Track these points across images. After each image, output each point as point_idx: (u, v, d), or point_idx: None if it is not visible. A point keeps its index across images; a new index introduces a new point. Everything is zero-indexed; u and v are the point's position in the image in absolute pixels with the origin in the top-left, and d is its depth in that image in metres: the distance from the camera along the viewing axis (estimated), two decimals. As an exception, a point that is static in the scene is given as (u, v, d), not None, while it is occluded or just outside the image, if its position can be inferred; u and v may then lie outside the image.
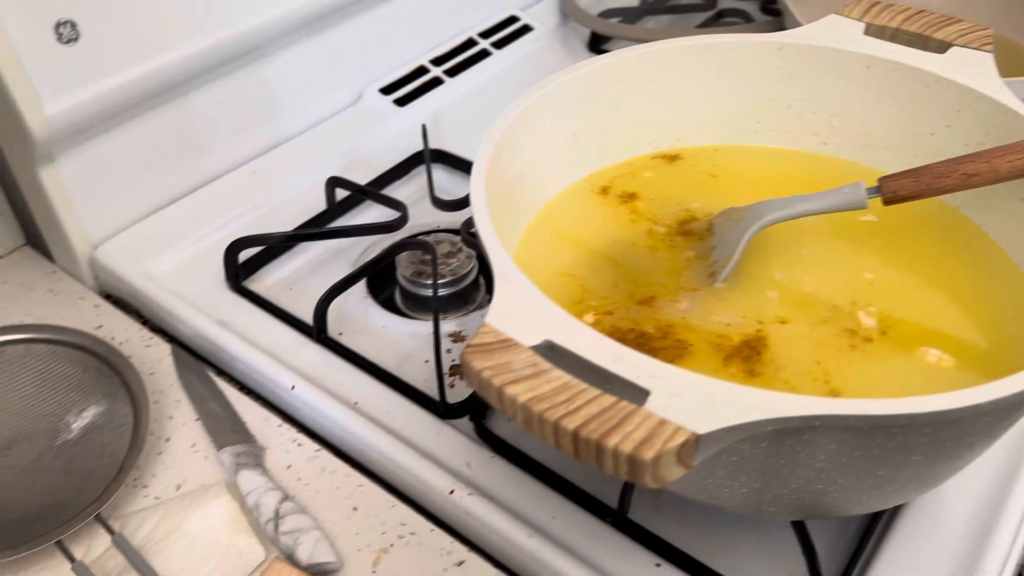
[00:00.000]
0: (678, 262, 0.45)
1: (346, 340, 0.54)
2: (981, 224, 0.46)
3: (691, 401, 0.29)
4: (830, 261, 0.45)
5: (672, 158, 0.51)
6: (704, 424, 0.28)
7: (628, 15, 0.85)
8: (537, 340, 0.31)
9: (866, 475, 0.33)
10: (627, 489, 0.42)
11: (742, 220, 0.44)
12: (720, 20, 0.84)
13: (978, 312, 0.41)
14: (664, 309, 0.42)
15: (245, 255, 0.59)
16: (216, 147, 0.65)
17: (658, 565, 0.41)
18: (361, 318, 0.56)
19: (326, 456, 0.48)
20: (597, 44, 0.82)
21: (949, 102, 0.46)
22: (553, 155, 0.48)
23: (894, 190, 0.41)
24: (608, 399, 0.29)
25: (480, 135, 0.70)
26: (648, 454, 0.27)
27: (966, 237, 0.45)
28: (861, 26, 0.49)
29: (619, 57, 0.49)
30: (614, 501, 0.44)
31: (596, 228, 0.47)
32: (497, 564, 0.43)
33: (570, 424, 0.28)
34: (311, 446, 0.49)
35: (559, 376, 0.30)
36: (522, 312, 0.33)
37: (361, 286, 0.58)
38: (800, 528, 0.39)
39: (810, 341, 0.40)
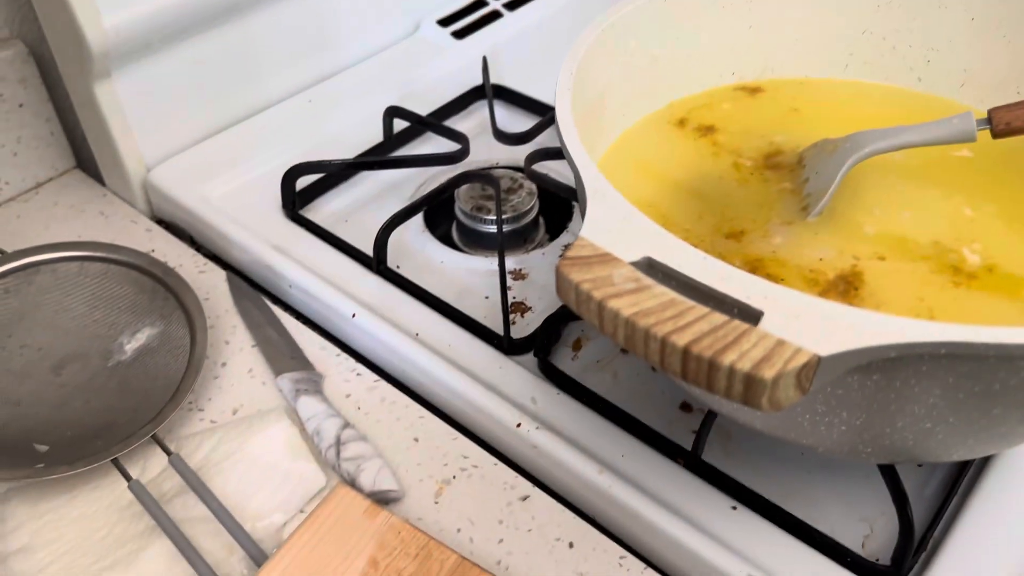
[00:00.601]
0: (769, 195, 0.43)
1: (404, 273, 0.52)
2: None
3: (809, 323, 0.27)
4: (927, 197, 0.42)
5: (753, 90, 0.49)
6: (826, 346, 0.26)
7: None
8: (636, 256, 0.29)
9: (980, 414, 0.30)
10: (703, 428, 0.41)
11: (838, 152, 0.42)
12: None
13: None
14: (753, 244, 0.40)
15: (301, 184, 0.57)
16: (273, 73, 0.63)
17: (734, 508, 0.40)
18: (419, 252, 0.55)
19: (385, 387, 0.47)
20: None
21: (1063, 34, 0.43)
22: (632, 80, 0.46)
23: (1007, 121, 0.38)
24: (719, 317, 0.27)
25: (539, 71, 0.68)
26: (768, 373, 0.25)
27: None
28: (969, -48, 0.46)
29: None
30: (684, 442, 0.42)
31: (676, 160, 0.45)
32: (562, 500, 0.42)
33: (680, 340, 0.26)
34: (370, 376, 0.48)
35: (664, 292, 0.28)
36: (618, 227, 0.31)
37: (418, 220, 0.56)
38: (891, 473, 0.37)
39: (912, 277, 0.38)
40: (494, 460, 0.43)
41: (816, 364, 0.26)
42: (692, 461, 0.41)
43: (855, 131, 0.42)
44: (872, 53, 0.48)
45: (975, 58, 0.46)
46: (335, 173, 0.57)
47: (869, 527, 0.40)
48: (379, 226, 0.52)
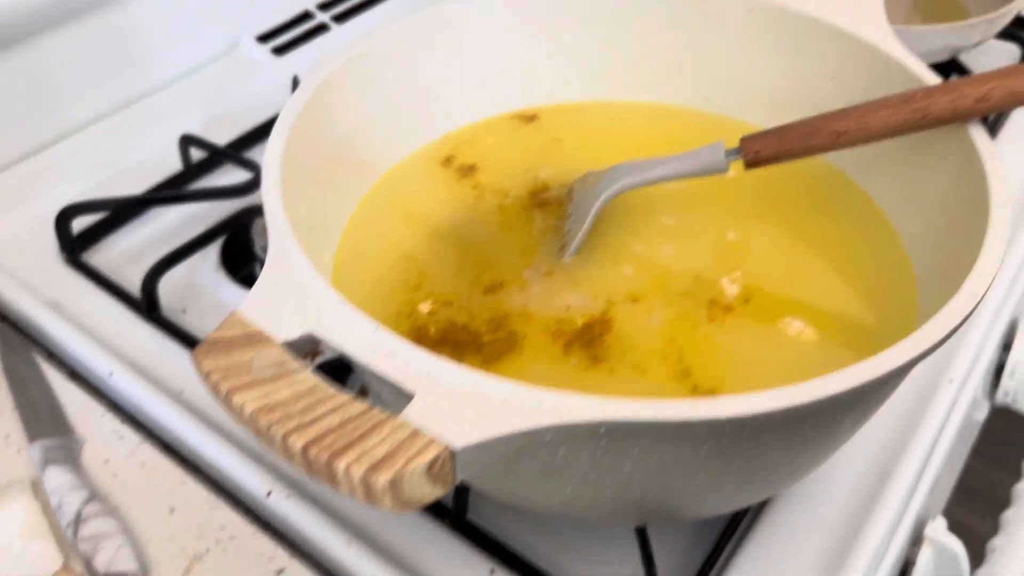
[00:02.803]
0: (532, 238, 0.40)
1: (190, 319, 0.49)
2: (867, 189, 0.41)
3: (461, 405, 0.24)
4: (692, 225, 0.40)
5: (530, 118, 0.46)
6: (465, 435, 0.23)
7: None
8: (295, 333, 0.27)
9: (685, 482, 0.28)
10: (460, 487, 0.38)
11: (597, 185, 0.39)
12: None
13: (851, 282, 0.37)
14: (511, 297, 0.37)
15: (85, 224, 0.53)
16: (66, 102, 0.59)
17: (492, 571, 0.37)
18: (212, 295, 0.51)
19: (148, 450, 0.43)
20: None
21: (833, 52, 0.41)
22: (397, 111, 0.43)
23: (756, 151, 0.36)
24: (358, 407, 0.24)
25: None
26: (381, 478, 0.22)
27: (848, 202, 0.41)
28: (744, -37, 0.44)
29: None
30: (458, 498, 0.39)
31: (441, 204, 0.42)
32: (322, 571, 0.39)
33: (299, 440, 0.23)
34: (133, 438, 0.44)
35: (305, 379, 0.25)
36: (288, 297, 0.28)
37: (213, 260, 0.53)
38: (641, 533, 0.35)
39: (664, 317, 0.35)
40: (254, 529, 0.40)
41: (450, 458, 0.23)
42: (456, 521, 0.39)
43: (627, 158, 0.40)
44: (657, 72, 0.46)
45: (759, 76, 0.44)
46: (122, 211, 0.54)
47: (640, 584, 0.38)
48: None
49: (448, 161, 0.44)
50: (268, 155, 0.34)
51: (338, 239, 0.39)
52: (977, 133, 0.34)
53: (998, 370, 0.50)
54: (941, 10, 0.65)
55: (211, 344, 0.26)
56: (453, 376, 0.25)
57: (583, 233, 0.38)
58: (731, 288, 0.37)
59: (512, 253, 0.39)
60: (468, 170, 0.43)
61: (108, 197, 0.53)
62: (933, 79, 0.37)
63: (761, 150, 0.36)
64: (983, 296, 0.28)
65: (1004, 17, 0.56)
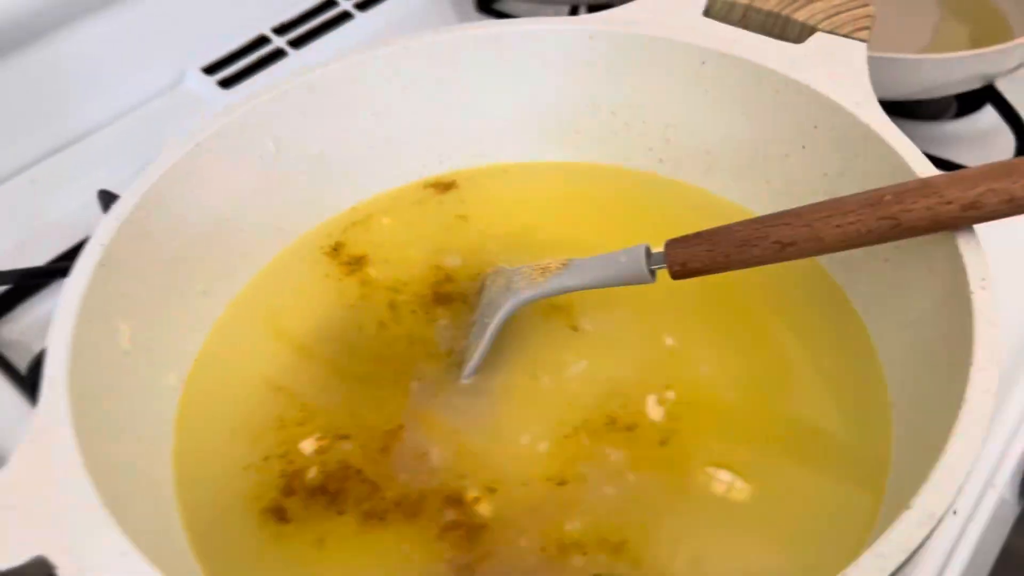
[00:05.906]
0: (424, 348, 0.33)
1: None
2: (843, 285, 0.33)
3: None
4: (619, 327, 0.32)
5: (447, 186, 0.39)
6: None
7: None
8: (22, 557, 0.21)
9: None
10: None
11: (506, 291, 0.32)
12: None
13: (809, 406, 0.30)
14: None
15: (-6, 292, 0.49)
16: (-15, 150, 0.55)
17: None
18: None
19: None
20: (488, 1, 0.68)
21: (803, 114, 0.33)
22: (281, 189, 0.37)
23: (682, 261, 0.28)
24: None
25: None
26: None
27: (822, 297, 0.33)
28: (702, 2, 0.36)
29: (381, 54, 0.37)
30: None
31: (325, 306, 0.34)
32: None
33: None
34: None
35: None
36: (35, 498, 0.22)
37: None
38: None
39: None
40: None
41: None
42: None
43: (556, 236, 0.33)
44: (603, 129, 0.39)
45: (716, 138, 0.36)
46: (25, 283, 0.49)
47: None
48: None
49: (337, 250, 0.37)
50: (72, 280, 0.28)
51: (195, 355, 0.33)
52: (968, 247, 0.26)
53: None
54: (979, 17, 0.55)
55: None
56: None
57: (480, 354, 0.31)
58: (655, 411, 0.30)
59: (393, 372, 0.32)
60: (356, 262, 0.36)
61: (9, 268, 0.48)
62: (918, 161, 0.29)
63: (688, 261, 0.28)
64: (943, 516, 0.20)
65: (1049, 36, 0.46)
